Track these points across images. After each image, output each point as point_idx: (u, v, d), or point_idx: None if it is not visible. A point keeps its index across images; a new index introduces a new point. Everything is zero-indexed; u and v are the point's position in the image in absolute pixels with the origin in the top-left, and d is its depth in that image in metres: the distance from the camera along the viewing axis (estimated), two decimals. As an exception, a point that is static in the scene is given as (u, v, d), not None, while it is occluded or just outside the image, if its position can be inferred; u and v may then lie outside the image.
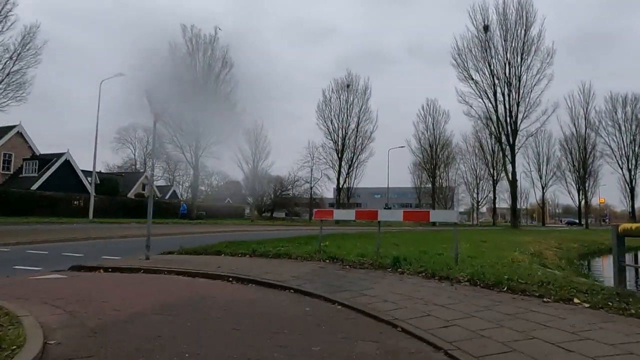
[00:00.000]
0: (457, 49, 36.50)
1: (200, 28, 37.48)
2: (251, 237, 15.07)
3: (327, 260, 7.92)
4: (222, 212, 53.67)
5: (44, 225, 22.39)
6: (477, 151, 51.54)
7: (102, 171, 57.90)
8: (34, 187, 36.83)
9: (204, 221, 37.55)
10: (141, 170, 64.18)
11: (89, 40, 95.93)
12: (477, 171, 57.36)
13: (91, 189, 30.29)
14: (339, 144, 43.56)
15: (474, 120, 41.35)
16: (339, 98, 45.07)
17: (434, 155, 48.02)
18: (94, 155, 28.02)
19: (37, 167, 38.91)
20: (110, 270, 7.39)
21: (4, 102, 23.30)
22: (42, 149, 41.95)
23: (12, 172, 39.28)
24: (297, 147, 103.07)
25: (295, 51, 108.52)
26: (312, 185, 61.04)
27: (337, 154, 43.86)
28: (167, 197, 59.05)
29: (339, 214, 9.09)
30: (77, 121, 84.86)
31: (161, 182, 72.05)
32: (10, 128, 39.40)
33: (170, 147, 37.44)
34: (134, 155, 79.04)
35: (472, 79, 35.15)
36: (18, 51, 22.93)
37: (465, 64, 35.92)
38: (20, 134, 39.81)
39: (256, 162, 47.19)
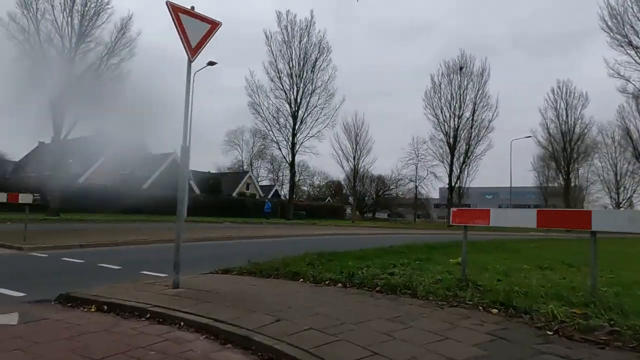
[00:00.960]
0: (609, 7, 28.71)
1: (295, 13, 35.08)
2: (350, 243, 11.49)
3: (491, 308, 3.92)
4: (322, 211, 51.29)
5: (130, 224, 21.35)
6: (622, 141, 41.61)
7: (212, 171, 59.32)
8: (145, 185, 37.76)
9: (302, 221, 35.05)
10: (245, 170, 64.85)
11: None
12: (618, 166, 46.99)
13: (186, 188, 29.18)
14: (450, 135, 37.97)
15: (628, 99, 32.89)
16: (451, 83, 39.15)
17: (567, 147, 39.53)
18: (186, 152, 26.77)
19: (149, 167, 40.03)
20: (105, 307, 4.27)
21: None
22: (157, 149, 43.33)
23: (128, 172, 40.92)
24: (396, 145, 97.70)
25: (389, 51, 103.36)
26: (417, 184, 55.84)
27: (449, 147, 38.30)
28: (269, 196, 58.51)
29: (502, 217, 4.94)
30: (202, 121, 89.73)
31: (265, 182, 72.52)
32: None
33: (266, 143, 35.61)
34: (241, 156, 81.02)
35: (632, 44, 27.32)
36: (114, 45, 22.33)
37: (621, 27, 27.97)
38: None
39: (357, 159, 43.69)
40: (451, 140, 37.75)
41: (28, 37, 20.50)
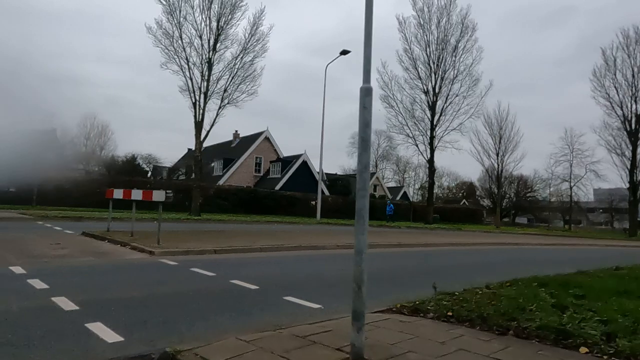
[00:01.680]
0: None
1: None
2: (541, 260, 8.08)
3: None
4: (456, 215, 46.31)
5: (264, 225, 20.32)
6: None
7: (338, 173, 58.44)
8: (277, 187, 37.84)
9: (443, 226, 31.11)
10: (372, 172, 62.58)
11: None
12: None
13: (318, 190, 27.84)
14: (632, 120, 30.07)
15: None
16: (632, 57, 31.05)
17: None
18: (320, 152, 25.44)
19: (280, 169, 40.22)
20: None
21: (238, 96, 22.43)
22: (284, 151, 43.64)
23: (261, 174, 41.74)
24: (534, 142, 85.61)
25: (520, 40, 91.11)
26: (571, 184, 47.17)
27: (628, 136, 30.49)
28: (398, 198, 55.32)
29: None
30: (308, 126, 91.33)
31: (391, 184, 69.57)
32: (260, 134, 42.06)
33: (401, 138, 32.47)
34: (366, 158, 79.32)
35: None
36: (247, 41, 21.79)
37: None
38: (267, 139, 42.07)
39: (501, 156, 38.02)
40: (633, 126, 29.92)
41: (172, 41, 21.13)
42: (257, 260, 8.51)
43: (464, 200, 65.32)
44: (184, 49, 21.26)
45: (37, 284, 5.11)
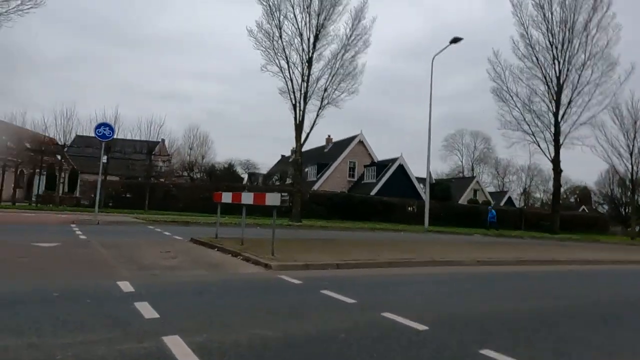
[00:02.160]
0: None
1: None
2: None
3: None
4: (576, 223, 40.38)
5: (368, 232, 18.64)
6: None
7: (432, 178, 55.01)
8: (373, 192, 36.07)
9: (571, 236, 26.61)
10: (471, 176, 58.00)
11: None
12: None
13: (426, 195, 25.40)
14: None
15: None
16: None
17: None
18: (427, 153, 23.05)
19: (375, 173, 38.42)
20: None
21: (338, 95, 21.12)
22: (378, 155, 41.76)
23: (355, 179, 40.28)
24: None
25: None
26: None
27: None
28: (502, 203, 50.33)
29: None
30: (405, 130, 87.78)
31: (490, 189, 63.94)
32: (353, 138, 40.69)
33: (517, 135, 28.60)
34: (461, 161, 74.30)
35: None
36: (349, 36, 20.42)
37: None
38: (361, 143, 40.56)
39: (635, 155, 32.02)
40: None
41: (272, 42, 20.58)
42: (392, 279, 6.82)
43: (582, 207, 57.63)
44: (284, 49, 20.62)
45: (146, 309, 3.92)
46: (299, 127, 21.20)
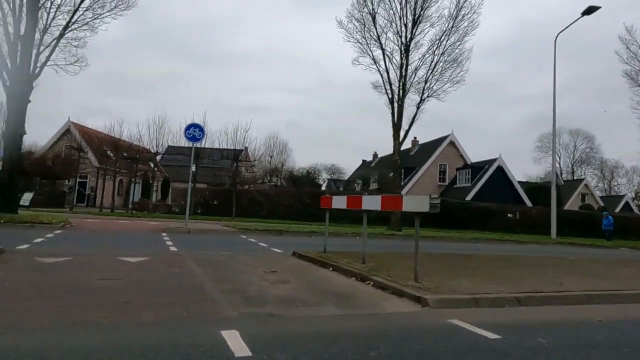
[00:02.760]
0: None
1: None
2: None
3: None
4: None
5: (492, 244, 15.66)
6: None
7: (529, 181, 49.41)
8: (468, 197, 32.48)
9: None
10: (579, 178, 51.17)
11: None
12: None
13: (552, 200, 21.46)
14: None
15: None
16: None
17: None
18: (552, 149, 19.41)
19: (469, 176, 34.73)
20: None
21: (441, 86, 18.48)
22: (472, 157, 37.91)
23: (447, 183, 36.87)
24: None
25: None
26: None
27: None
28: (618, 209, 43.41)
29: None
30: (487, 132, 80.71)
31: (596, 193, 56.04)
32: (443, 139, 37.35)
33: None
34: (559, 163, 66.57)
35: None
36: (454, 18, 17.72)
37: None
38: (452, 144, 37.09)
39: None
40: None
41: (364, 32, 18.61)
42: (624, 330, 4.26)
43: None
44: (379, 37, 18.50)
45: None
46: (396, 125, 18.86)
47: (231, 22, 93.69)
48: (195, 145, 13.77)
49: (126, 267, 5.95)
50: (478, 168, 34.63)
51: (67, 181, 34.54)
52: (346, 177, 51.59)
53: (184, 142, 27.48)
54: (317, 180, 45.70)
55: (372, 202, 6.56)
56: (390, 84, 18.67)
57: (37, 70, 13.56)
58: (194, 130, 13.41)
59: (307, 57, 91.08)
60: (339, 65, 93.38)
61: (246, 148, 40.17)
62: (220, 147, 32.03)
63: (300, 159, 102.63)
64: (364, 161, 54.53)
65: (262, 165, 37.19)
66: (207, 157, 30.11)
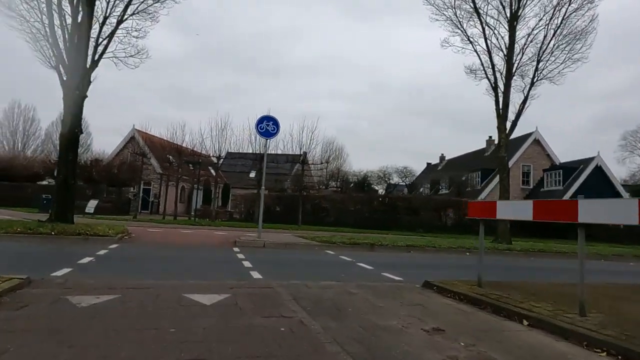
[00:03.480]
0: None
1: None
2: None
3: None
4: None
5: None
6: None
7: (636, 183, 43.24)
8: (561, 202, 28.09)
9: None
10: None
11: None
12: None
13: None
14: None
15: None
16: None
17: None
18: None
19: (560, 178, 30.25)
20: None
21: (557, 67, 15.03)
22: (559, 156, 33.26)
23: (531, 186, 32.51)
24: None
25: None
26: None
27: None
28: None
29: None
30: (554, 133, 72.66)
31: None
32: (526, 137, 33.03)
33: None
34: (647, 163, 58.53)
35: None
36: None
37: None
38: (537, 142, 32.72)
39: None
40: None
41: (456, 9, 15.62)
42: None
43: None
44: (476, 10, 15.36)
45: None
46: (502, 114, 15.60)
47: (287, 34, 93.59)
48: (269, 141, 11.53)
49: (199, 319, 3.58)
50: (571, 169, 30.07)
51: (132, 188, 34.29)
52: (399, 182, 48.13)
53: (244, 148, 25.78)
54: (372, 185, 42.79)
55: (525, 209, 3.77)
56: (493, 66, 15.53)
57: (95, 63, 12.04)
58: (267, 124, 11.19)
59: (359, 64, 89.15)
60: (391, 71, 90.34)
61: (305, 153, 38.25)
62: (279, 152, 30.22)
63: (356, 165, 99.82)
64: (428, 164, 50.79)
65: (319, 171, 34.84)
66: (269, 160, 28.31)
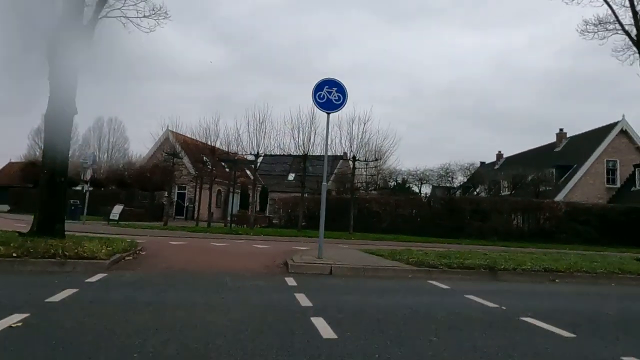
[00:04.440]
0: None
1: None
2: None
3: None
4: None
5: None
6: None
7: None
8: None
9: None
10: None
11: None
12: None
13: None
14: None
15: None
16: None
17: None
18: None
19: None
20: None
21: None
22: None
23: (618, 185, 27.19)
24: None
25: None
26: None
27: None
28: None
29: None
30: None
31: None
32: (610, 127, 27.79)
33: None
34: None
35: None
36: None
37: None
38: (624, 133, 27.38)
39: None
40: None
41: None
42: None
43: None
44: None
45: None
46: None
47: (324, 42, 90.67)
48: (330, 114, 7.80)
49: None
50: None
51: (165, 193, 31.75)
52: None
53: (286, 144, 22.23)
54: (411, 187, 38.47)
55: None
56: (635, 14, 11.09)
57: (94, 19, 8.83)
58: (329, 91, 7.52)
59: (396, 68, 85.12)
60: (428, 75, 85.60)
61: (346, 154, 34.53)
62: (317, 153, 26.62)
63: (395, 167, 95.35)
64: (482, 163, 45.63)
65: (371, 169, 30.88)
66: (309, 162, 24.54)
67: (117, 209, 18.69)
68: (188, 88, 76.53)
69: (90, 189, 39.55)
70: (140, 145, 75.65)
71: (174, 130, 30.63)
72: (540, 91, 76.99)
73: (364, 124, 19.19)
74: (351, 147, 19.39)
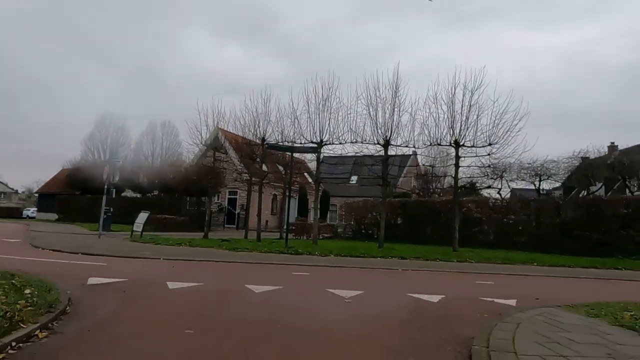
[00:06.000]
0: None
1: None
2: None
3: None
4: None
5: None
6: None
7: None
8: None
9: None
10: None
11: None
12: None
13: None
14: None
15: None
16: None
17: None
18: None
19: None
20: None
21: None
22: None
23: None
24: None
25: None
26: None
27: None
28: None
29: None
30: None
31: None
32: None
33: None
34: None
35: None
36: None
37: None
38: None
39: None
40: None
41: None
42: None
43: None
44: None
45: None
46: None
47: (380, 51, 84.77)
48: None
49: None
50: None
51: (215, 198, 27.39)
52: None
53: (359, 128, 16.51)
54: (480, 192, 31.06)
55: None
56: None
57: None
58: None
59: (446, 72, 77.76)
60: (494, 75, 77.06)
61: (415, 153, 28.36)
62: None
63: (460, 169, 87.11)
64: (584, 158, 36.97)
65: (484, 157, 24.11)
66: (371, 163, 18.38)
67: (142, 218, 14.06)
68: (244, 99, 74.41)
69: (139, 195, 36.59)
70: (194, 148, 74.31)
71: (224, 128, 25.98)
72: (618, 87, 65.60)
73: (471, 93, 12.92)
74: (451, 126, 13.19)
